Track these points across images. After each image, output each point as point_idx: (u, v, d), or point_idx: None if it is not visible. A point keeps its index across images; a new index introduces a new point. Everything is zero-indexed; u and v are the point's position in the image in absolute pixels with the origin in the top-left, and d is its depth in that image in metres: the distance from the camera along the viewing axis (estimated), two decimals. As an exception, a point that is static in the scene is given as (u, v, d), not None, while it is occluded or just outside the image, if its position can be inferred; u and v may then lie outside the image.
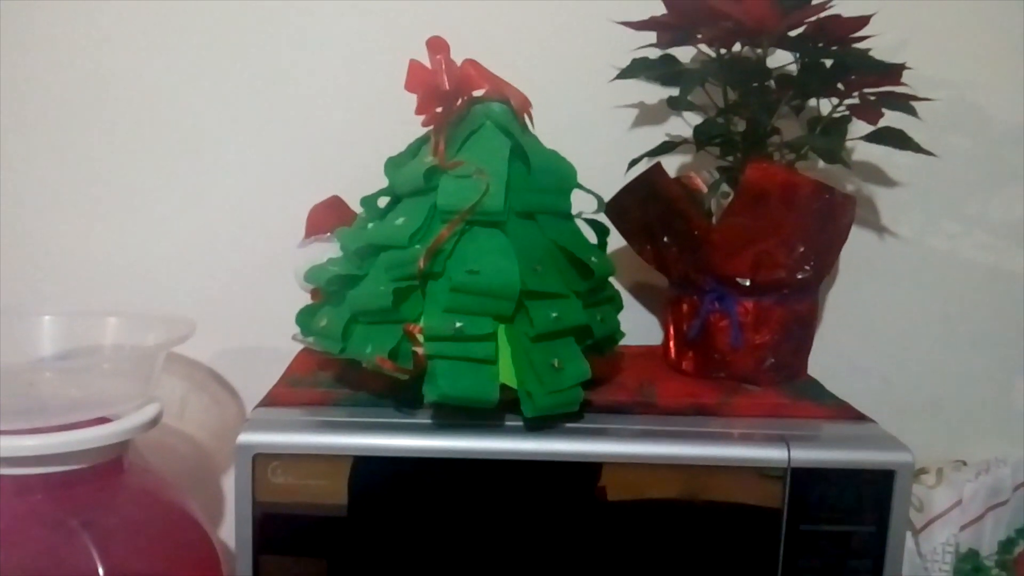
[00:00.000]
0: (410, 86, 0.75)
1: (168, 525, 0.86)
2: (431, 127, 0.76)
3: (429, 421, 0.70)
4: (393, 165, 0.79)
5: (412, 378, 0.68)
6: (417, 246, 0.69)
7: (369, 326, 0.69)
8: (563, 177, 0.75)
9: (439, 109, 0.75)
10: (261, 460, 0.66)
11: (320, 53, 0.98)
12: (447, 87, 0.73)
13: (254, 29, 0.97)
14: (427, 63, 0.75)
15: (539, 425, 0.68)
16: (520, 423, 0.68)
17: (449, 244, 0.68)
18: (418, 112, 0.75)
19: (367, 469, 0.67)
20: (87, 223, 1.01)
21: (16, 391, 0.79)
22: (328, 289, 0.73)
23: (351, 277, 0.72)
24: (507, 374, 0.67)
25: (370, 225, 0.75)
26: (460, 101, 0.75)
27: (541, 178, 0.73)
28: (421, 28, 0.95)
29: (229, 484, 1.06)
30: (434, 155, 0.73)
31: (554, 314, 0.69)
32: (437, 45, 0.74)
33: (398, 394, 0.74)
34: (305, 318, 0.77)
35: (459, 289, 0.67)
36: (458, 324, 0.66)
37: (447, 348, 0.66)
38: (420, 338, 0.67)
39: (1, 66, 0.98)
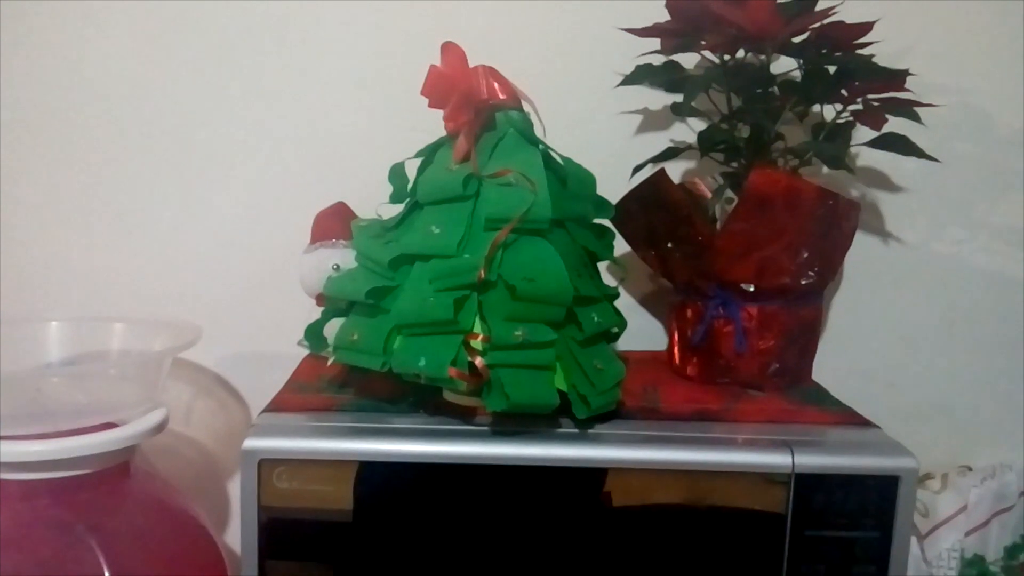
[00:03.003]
0: (432, 91, 0.74)
1: (174, 530, 0.86)
2: (446, 134, 0.76)
3: (433, 427, 0.70)
4: (397, 173, 0.79)
5: (420, 384, 0.69)
6: (466, 255, 0.68)
7: (416, 338, 0.67)
8: (588, 184, 0.76)
9: (466, 116, 0.74)
10: (266, 465, 0.66)
11: (325, 61, 0.98)
12: (485, 94, 0.73)
13: (260, 37, 0.98)
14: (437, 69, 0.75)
15: (588, 426, 0.70)
16: (516, 429, 0.69)
17: (497, 253, 0.68)
18: (448, 118, 0.74)
19: (372, 474, 0.67)
20: (93, 229, 1.01)
21: (23, 396, 0.79)
22: (365, 301, 0.70)
23: (384, 289, 0.70)
24: (557, 378, 0.68)
25: (368, 233, 0.75)
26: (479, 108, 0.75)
27: (572, 185, 0.74)
28: (425, 35, 0.95)
29: (235, 489, 1.06)
30: (458, 162, 0.72)
31: (596, 318, 0.71)
32: (453, 50, 0.74)
33: (403, 399, 0.74)
34: (316, 335, 0.77)
35: (521, 298, 0.67)
36: (520, 332, 0.67)
37: (510, 357, 0.66)
38: (477, 347, 0.66)
39: (9, 72, 0.99)
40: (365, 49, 0.98)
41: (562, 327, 0.69)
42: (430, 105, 0.75)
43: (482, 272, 0.66)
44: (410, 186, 0.78)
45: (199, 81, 0.99)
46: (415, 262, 0.70)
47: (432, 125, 0.77)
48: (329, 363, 0.75)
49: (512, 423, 0.69)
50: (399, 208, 0.78)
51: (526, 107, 0.76)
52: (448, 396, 0.73)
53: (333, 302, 0.77)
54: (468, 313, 0.67)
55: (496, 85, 0.74)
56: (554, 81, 0.96)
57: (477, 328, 0.67)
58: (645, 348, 0.95)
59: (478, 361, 0.66)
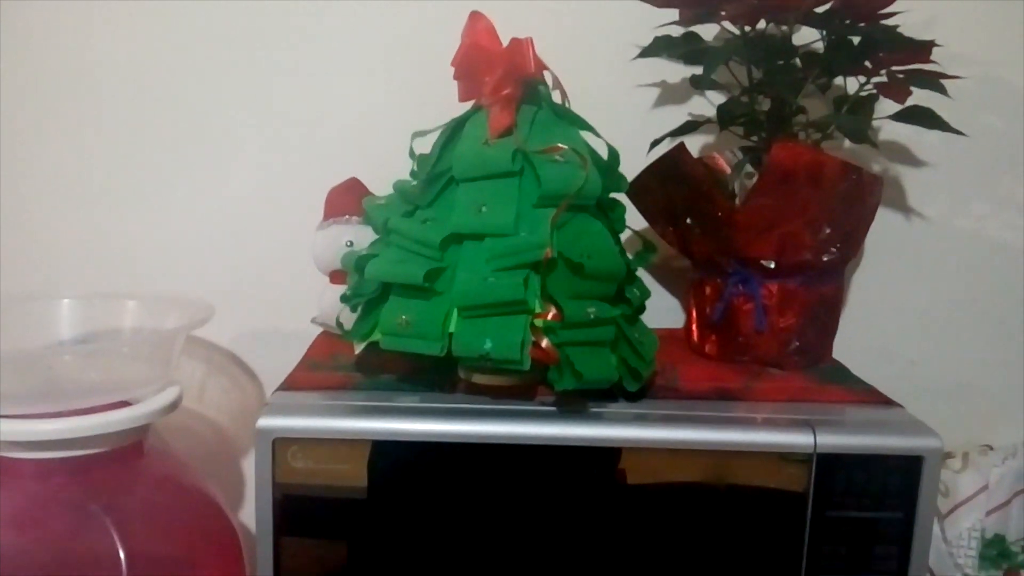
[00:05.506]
0: (463, 63, 0.73)
1: (188, 508, 0.86)
2: (473, 106, 0.75)
3: (447, 406, 0.69)
4: (417, 149, 0.78)
5: (436, 363, 0.67)
6: (522, 233, 0.67)
7: (477, 320, 0.65)
8: (615, 158, 0.75)
9: (508, 90, 0.73)
10: (281, 444, 0.66)
11: (335, 36, 0.97)
12: (532, 67, 0.72)
13: (272, 13, 0.97)
14: (453, 42, 0.73)
15: (639, 399, 0.71)
16: (531, 408, 0.69)
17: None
18: (492, 91, 0.72)
19: (386, 453, 0.67)
20: (105, 207, 1.01)
21: (35, 375, 0.79)
22: (422, 285, 0.67)
23: (436, 270, 0.68)
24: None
25: (396, 211, 0.73)
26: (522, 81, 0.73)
27: (601, 160, 0.74)
28: (435, 8, 0.94)
29: (249, 467, 1.06)
30: (496, 136, 0.71)
31: (637, 292, 0.73)
32: (481, 20, 0.72)
33: (418, 377, 0.74)
34: (361, 323, 0.73)
35: (587, 275, 0.66)
36: (592, 310, 0.66)
37: (575, 335, 0.65)
38: (540, 326, 0.65)
39: (20, 51, 0.98)
40: (375, 23, 0.97)
41: (616, 303, 0.69)
42: (456, 77, 0.74)
43: (549, 251, 0.65)
44: (425, 161, 0.76)
45: (210, 59, 0.98)
46: (463, 242, 0.68)
47: (443, 98, 0.75)
48: (357, 351, 0.73)
49: (566, 401, 0.69)
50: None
51: (549, 80, 0.75)
52: (472, 376, 0.72)
53: (357, 282, 0.75)
54: (531, 293, 0.66)
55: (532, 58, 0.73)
56: (570, 54, 0.93)
57: (539, 307, 0.65)
58: (662, 325, 0.94)
59: (544, 342, 0.64)
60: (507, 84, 0.72)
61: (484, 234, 0.68)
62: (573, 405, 0.68)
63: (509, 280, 0.65)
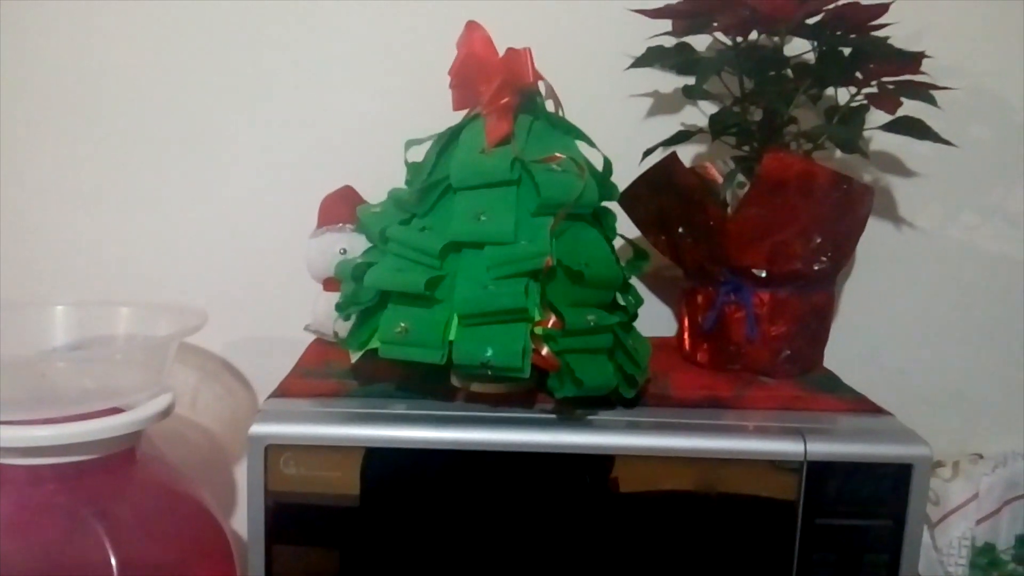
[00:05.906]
0: (460, 72, 0.73)
1: (180, 515, 0.86)
2: (468, 115, 0.76)
3: (440, 413, 0.69)
4: (410, 158, 0.78)
5: (428, 370, 0.68)
6: (523, 242, 0.67)
7: (477, 328, 0.66)
8: (608, 168, 0.76)
9: (507, 99, 0.73)
10: (273, 451, 0.66)
11: (331, 44, 0.97)
12: (531, 77, 0.72)
13: (266, 20, 0.97)
14: (447, 51, 0.74)
15: (634, 406, 0.72)
16: (522, 415, 0.69)
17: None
18: (491, 100, 0.73)
19: (379, 460, 0.67)
20: (99, 213, 1.01)
21: (28, 381, 0.79)
22: (423, 293, 0.66)
23: (436, 279, 0.68)
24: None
25: (393, 219, 0.74)
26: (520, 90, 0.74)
27: (600, 171, 0.74)
28: (430, 17, 0.94)
29: (241, 474, 1.06)
30: (493, 145, 0.71)
31: (632, 299, 0.74)
32: (478, 30, 0.73)
33: (413, 385, 0.74)
34: (357, 332, 0.73)
35: (586, 283, 0.67)
36: (592, 318, 0.67)
37: (575, 342, 0.66)
38: (540, 333, 0.65)
39: (16, 58, 0.98)
40: (370, 32, 0.97)
41: (612, 310, 0.70)
42: (452, 85, 0.74)
43: (550, 259, 0.65)
44: (419, 169, 0.77)
45: (204, 66, 0.98)
46: (462, 250, 0.69)
47: (437, 107, 0.76)
48: (354, 360, 0.72)
49: (560, 408, 0.69)
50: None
51: (543, 90, 0.75)
52: (471, 384, 0.72)
53: (353, 290, 0.75)
54: (532, 300, 0.66)
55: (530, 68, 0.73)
56: (563, 63, 0.94)
57: (539, 315, 0.66)
58: (654, 334, 0.94)
59: (544, 349, 0.65)
60: (505, 93, 0.72)
61: (483, 242, 0.68)
62: (567, 412, 0.69)
63: (510, 288, 0.65)
